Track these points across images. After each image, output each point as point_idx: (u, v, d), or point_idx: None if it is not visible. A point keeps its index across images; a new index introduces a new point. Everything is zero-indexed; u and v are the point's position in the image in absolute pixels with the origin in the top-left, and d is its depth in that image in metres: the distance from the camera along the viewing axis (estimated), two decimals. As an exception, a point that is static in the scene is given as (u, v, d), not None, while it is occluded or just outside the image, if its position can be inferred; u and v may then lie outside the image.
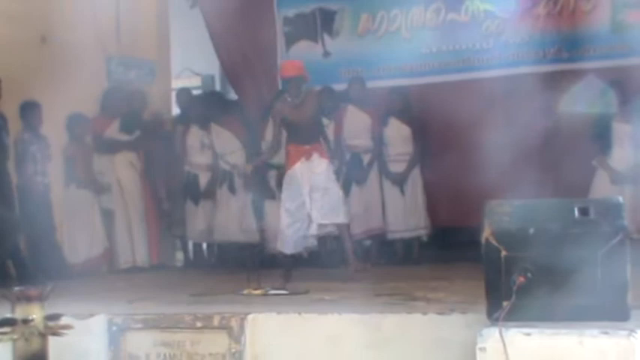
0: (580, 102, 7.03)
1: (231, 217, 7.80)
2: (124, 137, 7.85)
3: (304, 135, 6.31)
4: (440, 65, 8.00)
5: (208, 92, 8.50)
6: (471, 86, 7.54)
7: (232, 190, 7.81)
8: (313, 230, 6.29)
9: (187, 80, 10.92)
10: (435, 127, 7.60)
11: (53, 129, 7.35)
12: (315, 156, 6.32)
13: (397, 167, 7.69)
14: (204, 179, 7.95)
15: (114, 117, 7.86)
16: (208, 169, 7.96)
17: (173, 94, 8.96)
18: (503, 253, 3.61)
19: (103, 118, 7.87)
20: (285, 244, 6.25)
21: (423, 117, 7.65)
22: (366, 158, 7.72)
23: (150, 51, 8.84)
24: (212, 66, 10.62)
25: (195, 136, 7.98)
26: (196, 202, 7.94)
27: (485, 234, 3.64)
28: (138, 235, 7.83)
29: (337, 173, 7.63)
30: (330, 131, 7.72)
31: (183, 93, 8.48)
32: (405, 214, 7.67)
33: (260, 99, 8.25)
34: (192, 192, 7.95)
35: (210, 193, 7.93)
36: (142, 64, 8.79)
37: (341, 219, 6.31)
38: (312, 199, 6.20)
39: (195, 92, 8.83)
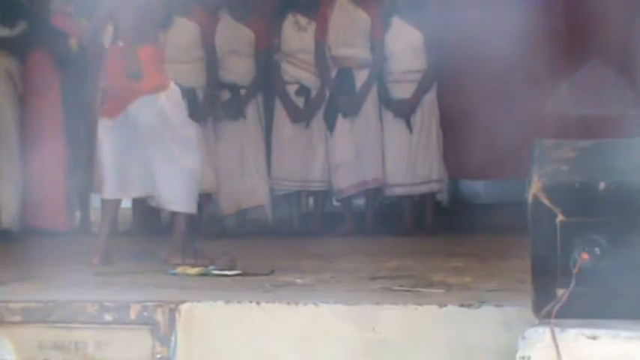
0: None
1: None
2: (3, 31, 7.79)
3: None
4: None
5: None
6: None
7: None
8: None
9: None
10: (458, 33, 7.54)
11: None
12: None
13: (403, 91, 7.74)
14: None
15: None
16: None
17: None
18: (560, 217, 3.58)
19: None
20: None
21: (442, 17, 7.60)
22: (361, 76, 7.71)
23: None
24: None
25: None
26: None
27: (534, 190, 3.60)
28: (6, 182, 7.78)
29: (319, 96, 7.65)
30: (309, 35, 7.71)
31: None
32: (412, 161, 7.69)
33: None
34: None
35: None
36: None
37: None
38: None
39: None
